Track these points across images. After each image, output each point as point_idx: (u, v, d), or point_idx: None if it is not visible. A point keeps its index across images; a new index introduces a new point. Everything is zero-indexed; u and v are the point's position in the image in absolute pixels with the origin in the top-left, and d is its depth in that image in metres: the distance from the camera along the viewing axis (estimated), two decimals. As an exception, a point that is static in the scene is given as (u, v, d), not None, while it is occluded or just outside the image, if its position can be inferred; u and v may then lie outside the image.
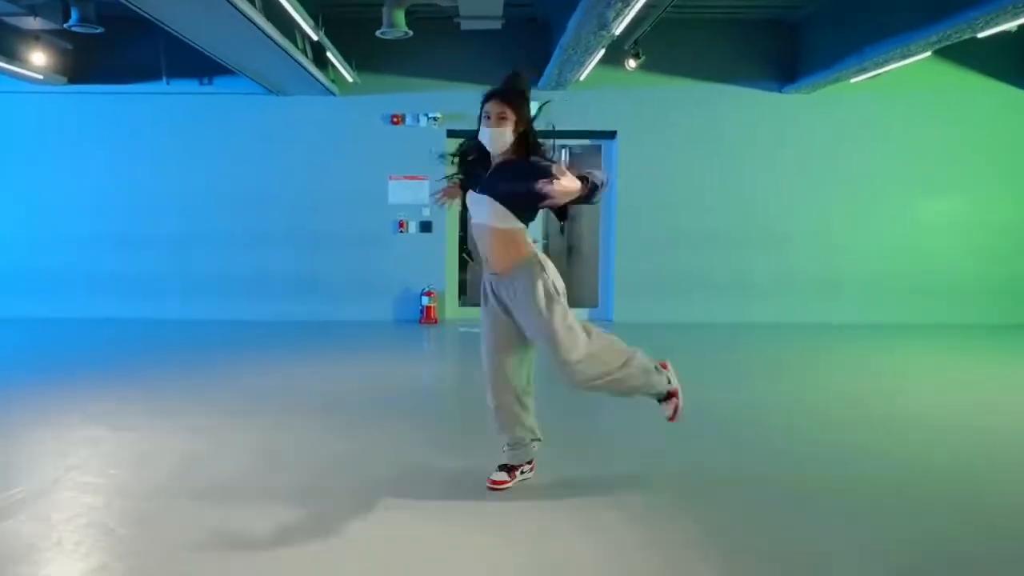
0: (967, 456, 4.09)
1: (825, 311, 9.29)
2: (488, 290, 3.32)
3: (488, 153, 3.24)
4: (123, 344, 7.76)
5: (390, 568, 2.69)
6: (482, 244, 3.28)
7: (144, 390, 5.48)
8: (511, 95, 3.20)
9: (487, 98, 3.22)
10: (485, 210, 3.20)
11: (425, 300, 9.19)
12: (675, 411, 3.46)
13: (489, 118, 3.17)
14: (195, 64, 8.46)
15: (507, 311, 3.26)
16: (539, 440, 3.44)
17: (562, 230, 11.44)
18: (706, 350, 7.73)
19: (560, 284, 3.23)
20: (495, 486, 3.37)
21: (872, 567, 2.71)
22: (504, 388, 3.31)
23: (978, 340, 8.23)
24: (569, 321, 3.19)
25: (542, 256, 3.27)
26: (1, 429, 4.40)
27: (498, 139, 3.16)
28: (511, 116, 3.15)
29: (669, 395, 3.44)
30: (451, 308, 9.58)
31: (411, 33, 6.40)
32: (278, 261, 9.25)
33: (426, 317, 9.17)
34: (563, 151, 11.38)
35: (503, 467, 3.41)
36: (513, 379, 3.31)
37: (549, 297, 3.15)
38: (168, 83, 8.99)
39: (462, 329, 8.68)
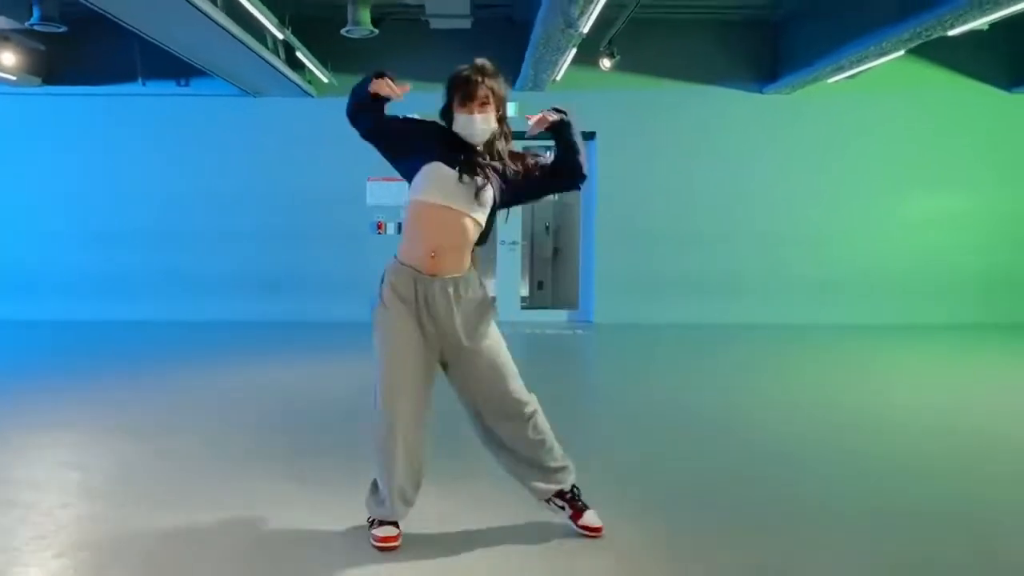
0: (968, 460, 3.98)
1: (811, 312, 9.21)
2: (414, 292, 2.67)
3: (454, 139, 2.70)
4: (103, 347, 7.69)
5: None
6: (441, 234, 2.66)
7: (115, 399, 5.42)
8: (493, 72, 2.71)
9: (465, 80, 2.66)
10: (465, 196, 2.65)
11: (403, 302, 9.11)
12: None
13: (472, 101, 2.64)
14: (171, 65, 8.41)
15: (433, 319, 2.67)
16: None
17: (547, 230, 11.57)
18: (685, 351, 7.67)
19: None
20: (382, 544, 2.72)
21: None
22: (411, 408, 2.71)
23: (965, 340, 8.17)
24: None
25: None
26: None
27: (484, 127, 2.66)
28: (493, 100, 2.67)
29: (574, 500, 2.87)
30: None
31: (376, 32, 6.36)
32: (255, 262, 9.20)
33: (404, 319, 9.10)
34: (547, 152, 11.36)
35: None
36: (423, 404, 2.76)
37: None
38: (144, 84, 8.95)
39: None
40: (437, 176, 2.64)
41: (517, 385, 2.77)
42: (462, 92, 2.66)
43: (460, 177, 2.64)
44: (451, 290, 2.67)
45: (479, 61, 2.74)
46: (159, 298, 9.17)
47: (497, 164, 2.74)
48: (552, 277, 11.19)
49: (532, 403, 2.79)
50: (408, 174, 2.74)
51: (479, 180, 2.66)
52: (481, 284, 2.78)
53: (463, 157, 2.68)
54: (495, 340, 2.77)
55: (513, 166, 2.78)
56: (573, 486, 2.86)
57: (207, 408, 4.99)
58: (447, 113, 2.74)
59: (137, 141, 9.12)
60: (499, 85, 2.72)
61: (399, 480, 2.69)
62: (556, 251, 11.20)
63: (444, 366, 2.78)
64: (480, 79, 2.66)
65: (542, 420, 2.81)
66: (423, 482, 2.79)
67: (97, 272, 9.14)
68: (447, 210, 2.63)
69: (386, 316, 2.70)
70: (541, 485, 2.81)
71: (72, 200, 9.12)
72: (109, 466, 3.74)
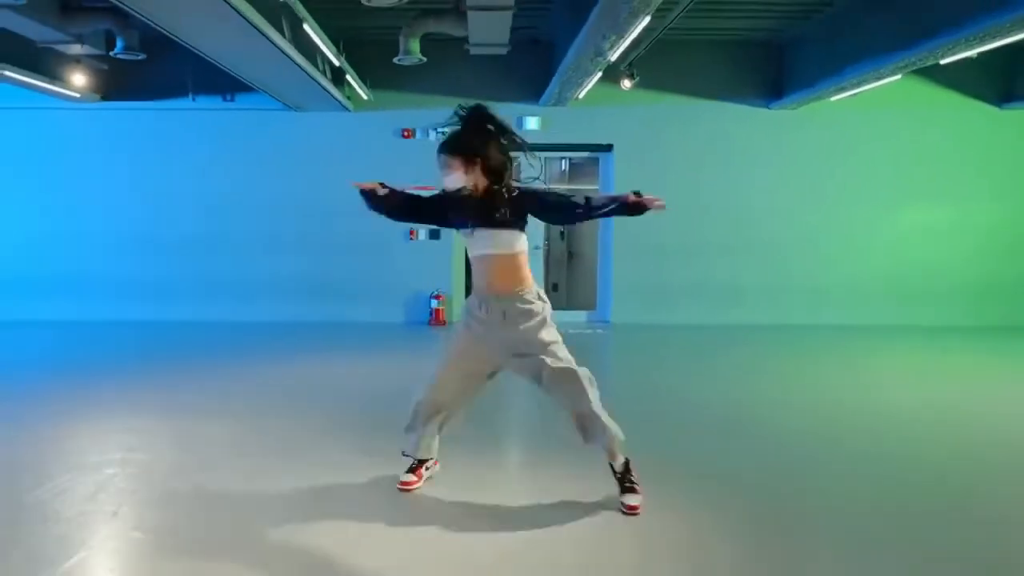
0: (974, 454, 4.37)
1: (812, 314, 9.89)
2: (480, 312, 3.43)
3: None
4: (158, 345, 8.36)
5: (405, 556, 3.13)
6: (488, 272, 3.41)
7: (184, 386, 6.09)
8: (450, 146, 3.35)
9: (438, 150, 3.39)
10: (486, 242, 3.36)
11: (434, 303, 9.79)
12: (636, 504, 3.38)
13: (441, 169, 3.36)
14: (218, 82, 9.09)
15: (496, 334, 3.40)
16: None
17: (562, 236, 12.22)
18: (695, 350, 8.33)
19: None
20: (405, 487, 3.60)
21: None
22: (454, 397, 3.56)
23: (957, 341, 8.82)
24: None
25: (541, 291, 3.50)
26: (29, 428, 4.73)
27: (454, 185, 3.35)
28: (457, 165, 3.30)
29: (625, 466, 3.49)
30: (458, 311, 10.16)
31: (425, 60, 7.00)
32: (295, 266, 9.87)
33: (435, 319, 9.78)
34: (563, 162, 12.04)
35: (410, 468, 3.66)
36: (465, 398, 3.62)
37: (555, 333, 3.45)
38: (194, 99, 9.61)
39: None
40: (469, 240, 3.41)
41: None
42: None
43: (472, 233, 3.37)
44: (503, 304, 3.38)
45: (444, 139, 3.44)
46: (203, 300, 9.82)
47: (500, 201, 3.33)
48: (567, 279, 11.86)
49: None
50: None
51: (487, 231, 3.33)
52: (536, 299, 3.42)
53: (476, 214, 3.34)
54: (542, 345, 3.37)
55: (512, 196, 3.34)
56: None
57: (276, 394, 5.66)
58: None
59: (187, 152, 9.78)
60: (462, 152, 3.32)
61: (426, 429, 3.57)
62: (571, 254, 11.88)
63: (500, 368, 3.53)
64: (441, 153, 3.38)
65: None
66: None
67: (146, 276, 9.81)
68: (483, 258, 3.40)
69: (459, 326, 3.57)
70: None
71: (125, 208, 9.78)
72: (212, 440, 4.42)
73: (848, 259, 9.95)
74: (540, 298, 3.43)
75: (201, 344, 8.33)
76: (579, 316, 10.45)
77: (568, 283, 11.81)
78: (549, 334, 3.40)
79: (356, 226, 9.84)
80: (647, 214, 3.29)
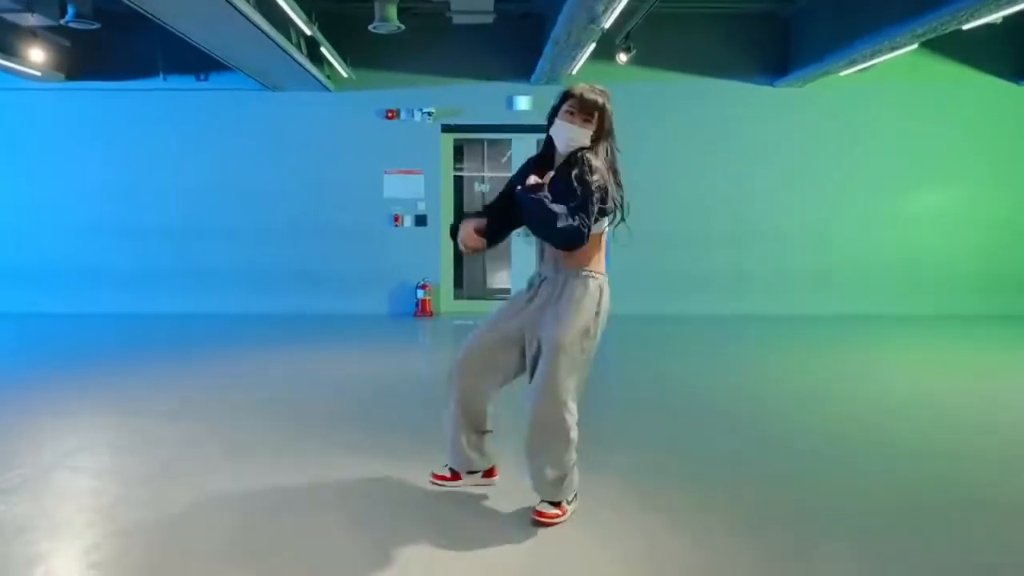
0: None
1: (819, 303, 9.38)
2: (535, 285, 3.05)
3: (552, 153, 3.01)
4: (131, 338, 7.84)
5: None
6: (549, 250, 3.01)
7: (151, 383, 5.58)
8: (591, 101, 2.93)
9: (576, 97, 2.94)
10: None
11: (420, 293, 9.27)
12: (549, 519, 2.92)
13: (573, 114, 2.92)
14: (192, 60, 8.57)
15: (537, 310, 2.97)
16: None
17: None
18: (702, 341, 7.83)
19: (600, 326, 2.96)
20: (437, 482, 3.26)
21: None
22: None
23: (969, 330, 8.34)
24: (580, 365, 2.91)
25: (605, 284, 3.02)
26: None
27: (577, 137, 2.93)
28: (592, 121, 2.94)
29: (557, 504, 2.95)
30: (446, 302, 9.66)
31: (403, 27, 6.48)
32: (274, 254, 9.35)
33: (421, 310, 9.26)
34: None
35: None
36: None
37: (587, 326, 2.91)
38: (165, 79, 9.08)
39: (457, 322, 8.76)
40: None
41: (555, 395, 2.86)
42: (567, 104, 2.94)
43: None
44: (550, 285, 2.98)
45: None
46: (179, 292, 9.31)
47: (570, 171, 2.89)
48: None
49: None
50: None
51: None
52: (582, 285, 2.93)
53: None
54: (564, 336, 2.86)
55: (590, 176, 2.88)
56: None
57: (248, 391, 5.16)
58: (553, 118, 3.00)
59: (159, 135, 9.25)
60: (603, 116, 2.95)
61: (454, 429, 3.13)
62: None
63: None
64: (590, 105, 2.92)
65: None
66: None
67: (117, 265, 9.28)
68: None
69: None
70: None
71: (93, 194, 9.24)
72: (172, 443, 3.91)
73: (857, 246, 9.43)
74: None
75: (175, 338, 7.81)
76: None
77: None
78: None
79: (338, 212, 9.38)
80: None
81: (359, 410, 4.75)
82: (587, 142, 2.92)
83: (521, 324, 3.00)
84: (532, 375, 2.95)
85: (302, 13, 6.28)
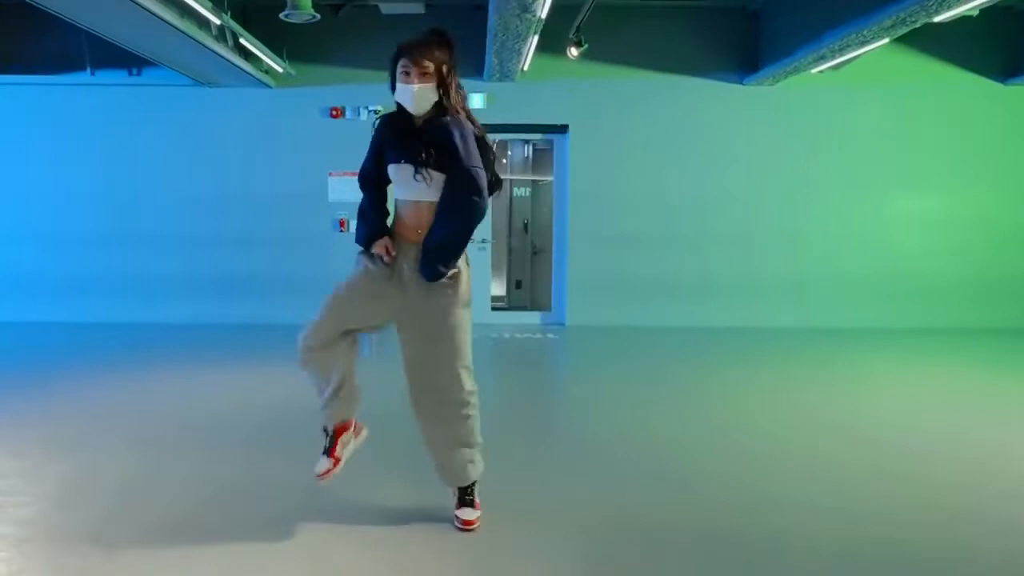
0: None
1: (791, 315, 8.81)
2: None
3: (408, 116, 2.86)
4: (48, 350, 7.28)
5: None
6: (413, 219, 2.91)
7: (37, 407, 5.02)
8: (433, 43, 2.80)
9: (404, 51, 2.80)
10: (418, 186, 2.83)
11: (365, 303, 8.69)
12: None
13: (408, 74, 2.77)
14: (121, 54, 7.94)
15: (399, 287, 2.92)
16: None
17: (526, 228, 11.12)
18: (659, 357, 7.25)
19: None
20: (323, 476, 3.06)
21: None
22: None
23: (950, 345, 7.76)
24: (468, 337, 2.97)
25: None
26: None
27: (421, 98, 2.78)
28: (434, 70, 2.77)
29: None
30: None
31: (318, 17, 5.89)
32: (211, 261, 8.78)
33: (366, 321, 8.67)
34: (527, 146, 10.93)
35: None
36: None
37: (467, 299, 2.95)
38: (93, 74, 8.51)
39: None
40: (394, 173, 2.91)
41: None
42: (400, 66, 2.80)
43: (415, 174, 2.82)
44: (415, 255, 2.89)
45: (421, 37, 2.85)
46: (108, 300, 8.74)
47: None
48: (531, 278, 10.75)
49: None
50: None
51: (427, 173, 2.80)
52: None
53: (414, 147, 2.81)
54: (449, 317, 2.89)
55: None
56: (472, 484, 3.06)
57: (164, 414, 4.59)
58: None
59: (86, 132, 8.68)
60: (443, 54, 2.81)
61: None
62: (535, 251, 10.74)
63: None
64: (420, 50, 2.77)
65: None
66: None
67: (42, 272, 8.71)
68: (407, 203, 2.92)
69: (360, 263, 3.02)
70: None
71: (15, 197, 8.68)
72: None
73: (831, 254, 8.84)
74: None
75: (96, 350, 7.23)
76: (534, 318, 9.35)
77: (532, 282, 10.70)
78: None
79: (279, 216, 8.81)
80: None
81: (288, 433, 4.19)
82: (435, 96, 2.79)
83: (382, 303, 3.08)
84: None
85: (206, 1, 5.70)
